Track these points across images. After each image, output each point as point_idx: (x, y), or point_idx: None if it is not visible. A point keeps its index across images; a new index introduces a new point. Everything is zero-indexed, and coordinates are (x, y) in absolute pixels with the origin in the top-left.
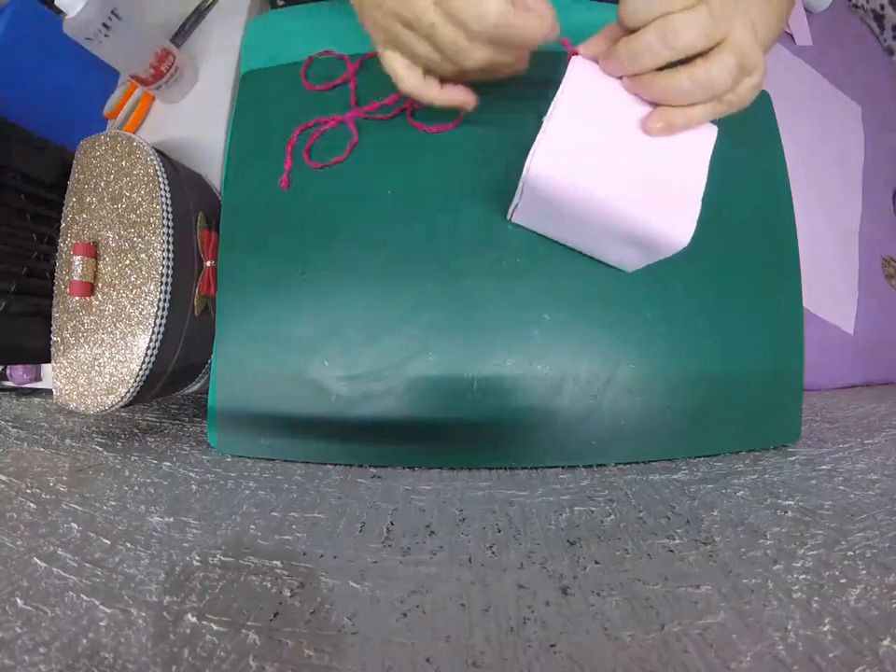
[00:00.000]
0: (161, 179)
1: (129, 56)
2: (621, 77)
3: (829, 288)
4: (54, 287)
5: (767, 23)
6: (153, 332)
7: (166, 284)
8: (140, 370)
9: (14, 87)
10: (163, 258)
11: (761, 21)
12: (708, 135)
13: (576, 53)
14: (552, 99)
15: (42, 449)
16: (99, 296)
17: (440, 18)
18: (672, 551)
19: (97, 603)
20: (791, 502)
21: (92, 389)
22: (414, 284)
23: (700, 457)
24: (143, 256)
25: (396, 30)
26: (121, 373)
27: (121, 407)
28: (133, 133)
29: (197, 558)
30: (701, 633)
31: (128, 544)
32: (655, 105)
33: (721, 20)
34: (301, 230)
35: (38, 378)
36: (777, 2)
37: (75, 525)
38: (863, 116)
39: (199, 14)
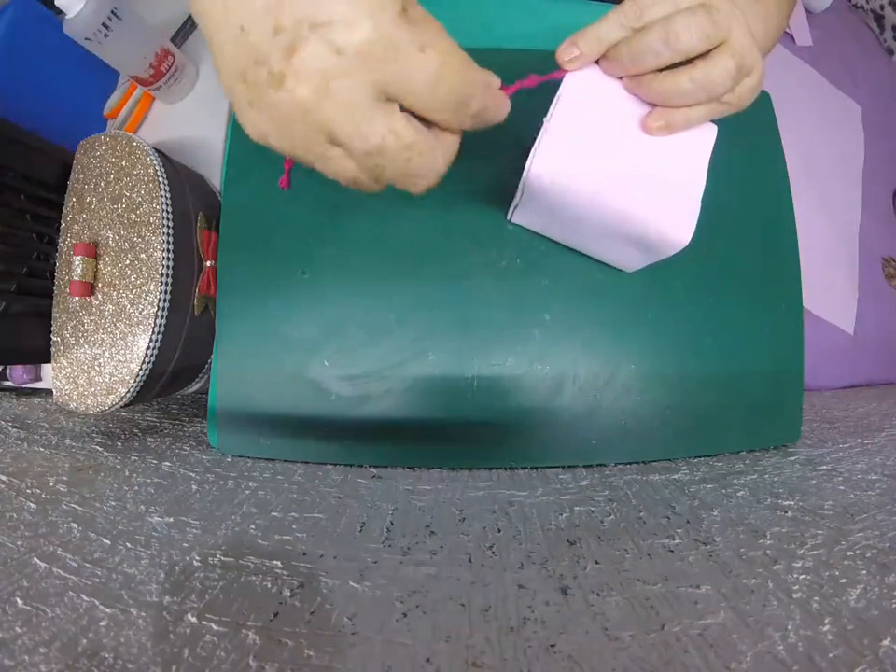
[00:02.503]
0: (161, 179)
1: (129, 56)
2: (621, 78)
3: (829, 288)
4: (54, 287)
5: (765, 27)
6: (153, 332)
7: (166, 284)
8: (140, 370)
9: (14, 87)
10: (163, 258)
11: (758, 24)
12: (708, 135)
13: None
14: (552, 99)
15: (42, 449)
16: (99, 296)
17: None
18: (672, 551)
19: (97, 603)
20: (791, 502)
21: (92, 389)
22: (414, 284)
23: (700, 457)
24: (143, 256)
25: (320, 150)
26: (121, 373)
27: (121, 407)
28: (133, 133)
29: (197, 558)
30: (701, 633)
31: (128, 544)
32: (655, 104)
33: (720, 22)
34: (301, 230)
35: (38, 378)
36: (774, 7)
37: (75, 525)
38: (863, 116)
39: None
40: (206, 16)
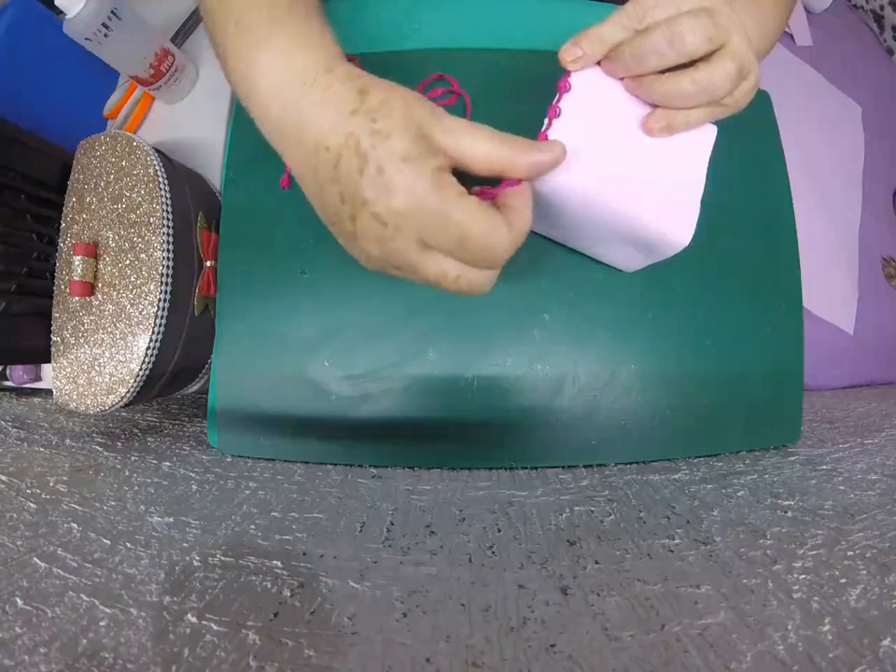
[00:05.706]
0: (161, 179)
1: (129, 56)
2: (621, 79)
3: (829, 288)
4: (54, 287)
5: (761, 31)
6: (153, 332)
7: (166, 284)
8: (140, 370)
9: (14, 87)
10: (163, 258)
11: (754, 28)
12: (708, 136)
13: (566, 84)
14: (552, 100)
15: (42, 449)
16: (99, 296)
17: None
18: (672, 551)
19: (97, 603)
20: (791, 502)
21: (92, 389)
22: (414, 284)
23: (700, 457)
24: (143, 256)
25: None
26: (121, 373)
27: (121, 407)
28: (133, 133)
29: (197, 558)
30: (701, 633)
31: (128, 544)
32: (655, 106)
33: (722, 26)
34: (301, 230)
35: (38, 378)
36: (771, 10)
37: (75, 525)
38: (863, 116)
39: (199, 14)
40: (303, 177)
